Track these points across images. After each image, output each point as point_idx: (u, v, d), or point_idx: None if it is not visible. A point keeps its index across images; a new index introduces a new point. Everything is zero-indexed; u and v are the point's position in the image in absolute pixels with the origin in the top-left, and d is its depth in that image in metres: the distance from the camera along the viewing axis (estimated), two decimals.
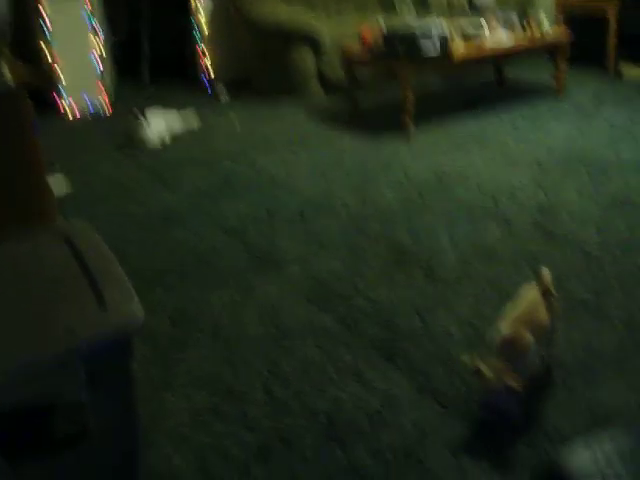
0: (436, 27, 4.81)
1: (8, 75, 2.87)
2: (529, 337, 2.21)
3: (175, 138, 5.21)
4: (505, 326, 2.26)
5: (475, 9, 5.84)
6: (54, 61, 5.73)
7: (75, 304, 2.01)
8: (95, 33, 5.90)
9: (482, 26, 5.19)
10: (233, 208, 3.93)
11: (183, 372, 2.59)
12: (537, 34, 5.35)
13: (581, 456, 1.36)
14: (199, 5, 6.35)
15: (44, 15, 5.63)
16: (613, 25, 5.98)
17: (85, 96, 5.93)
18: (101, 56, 5.96)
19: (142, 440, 2.19)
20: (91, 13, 5.85)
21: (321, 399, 2.40)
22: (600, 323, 2.70)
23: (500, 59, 5.81)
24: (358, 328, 2.77)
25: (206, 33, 6.39)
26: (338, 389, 2.44)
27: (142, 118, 5.03)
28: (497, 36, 5.20)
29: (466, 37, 5.11)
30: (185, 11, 6.45)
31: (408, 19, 5.81)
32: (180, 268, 3.32)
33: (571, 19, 6.11)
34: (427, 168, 4.33)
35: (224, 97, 6.20)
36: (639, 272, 3.03)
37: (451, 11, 6.37)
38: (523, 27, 5.32)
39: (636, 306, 2.79)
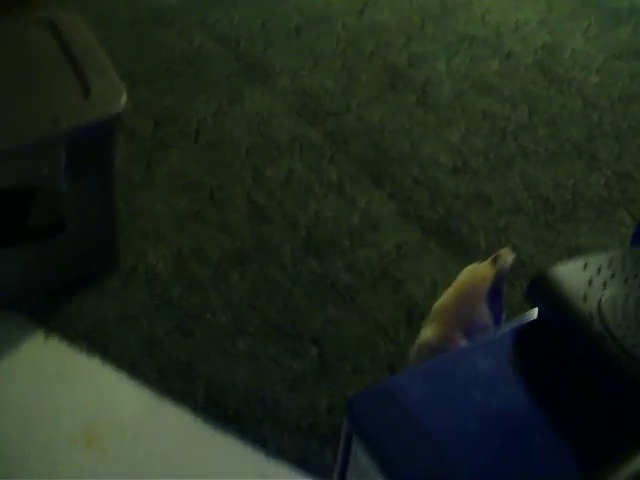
0: None
1: None
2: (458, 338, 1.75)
3: None
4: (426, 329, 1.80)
5: None
6: None
7: (60, 90, 1.95)
8: None
9: None
10: (227, 16, 3.74)
11: (165, 174, 2.55)
12: None
13: (569, 266, 1.35)
14: None
15: None
16: None
17: None
18: None
19: (119, 235, 2.19)
20: None
21: (303, 212, 2.39)
22: (589, 168, 2.68)
23: None
24: (346, 146, 2.71)
25: None
26: (321, 204, 2.43)
27: None
28: None
29: None
30: None
31: None
32: (167, 71, 3.19)
33: None
34: None
35: None
36: (635, 122, 2.97)
37: None
38: None
39: (627, 155, 2.76)
